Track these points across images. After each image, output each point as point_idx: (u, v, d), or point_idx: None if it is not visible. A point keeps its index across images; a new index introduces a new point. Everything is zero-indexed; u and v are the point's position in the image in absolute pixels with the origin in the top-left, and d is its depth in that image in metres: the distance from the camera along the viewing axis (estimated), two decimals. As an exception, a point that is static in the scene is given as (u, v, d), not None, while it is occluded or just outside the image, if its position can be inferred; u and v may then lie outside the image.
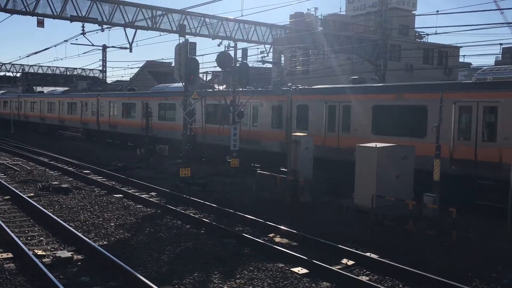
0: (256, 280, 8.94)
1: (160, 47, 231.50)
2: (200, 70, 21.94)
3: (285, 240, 11.54)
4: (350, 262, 9.95)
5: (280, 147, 20.89)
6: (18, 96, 55.44)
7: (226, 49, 22.38)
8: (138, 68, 60.07)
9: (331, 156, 18.93)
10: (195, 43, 18.92)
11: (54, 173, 21.69)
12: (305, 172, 16.04)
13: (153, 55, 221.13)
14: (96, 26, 23.61)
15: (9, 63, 64.43)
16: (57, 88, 59.37)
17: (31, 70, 66.28)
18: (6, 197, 15.87)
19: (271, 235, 11.95)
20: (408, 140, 15.84)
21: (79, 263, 9.69)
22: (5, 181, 18.52)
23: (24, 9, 21.10)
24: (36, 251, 10.18)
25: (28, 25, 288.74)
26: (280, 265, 9.73)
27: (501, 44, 30.58)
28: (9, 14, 21.44)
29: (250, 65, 23.79)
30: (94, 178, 20.03)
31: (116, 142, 36.54)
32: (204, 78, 29.16)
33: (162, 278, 8.89)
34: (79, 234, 11.25)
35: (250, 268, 9.56)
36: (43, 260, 9.60)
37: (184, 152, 19.19)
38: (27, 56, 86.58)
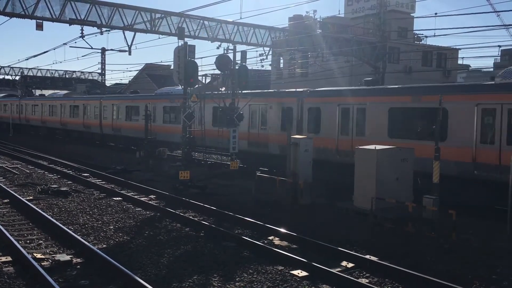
0: (255, 283, 8.92)
1: (159, 50, 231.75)
2: (199, 73, 21.95)
3: (284, 243, 11.53)
4: (350, 265, 9.94)
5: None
6: (99, 99, 38.22)
7: (225, 51, 22.40)
8: (137, 71, 60.16)
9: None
10: (194, 46, 18.93)
11: (53, 176, 21.67)
12: (304, 175, 16.02)
13: (152, 58, 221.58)
14: (95, 29, 23.64)
15: (8, 66, 64.36)
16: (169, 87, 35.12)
17: (30, 73, 66.20)
18: (5, 201, 15.84)
19: (270, 237, 11.94)
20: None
21: (78, 266, 9.67)
22: (4, 184, 18.50)
23: (23, 12, 21.12)
24: (35, 254, 10.16)
25: (27, 28, 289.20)
26: (280, 268, 9.72)
27: (499, 46, 30.73)
28: (8, 18, 21.47)
29: (249, 67, 23.78)
30: (93, 181, 20.02)
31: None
32: (203, 81, 29.16)
33: (162, 281, 8.87)
34: (78, 238, 11.23)
35: (250, 271, 9.54)
36: (42, 263, 9.58)
37: (183, 155, 19.18)
38: (26, 59, 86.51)
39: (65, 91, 49.45)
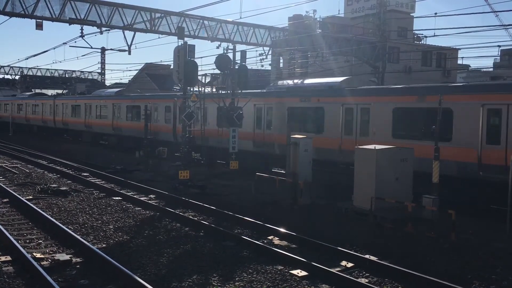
0: (255, 283, 8.92)
1: (159, 50, 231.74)
2: (199, 73, 21.94)
3: (284, 243, 11.52)
4: (350, 264, 9.94)
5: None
6: (173, 97, 27.17)
7: (225, 51, 22.39)
8: (137, 71, 60.05)
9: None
10: (193, 46, 18.91)
11: (53, 175, 21.66)
12: (304, 175, 16.01)
13: (152, 57, 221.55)
14: (95, 29, 23.61)
15: (8, 66, 64.36)
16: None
17: (30, 73, 66.19)
18: (5, 200, 15.83)
19: (270, 237, 11.94)
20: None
21: (78, 266, 9.67)
22: (3, 184, 18.49)
23: (22, 12, 21.09)
24: (34, 254, 10.16)
25: (27, 28, 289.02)
26: (280, 267, 9.72)
27: (499, 46, 30.72)
28: (7, 17, 21.46)
29: (249, 67, 23.76)
30: (92, 180, 20.01)
31: None
32: (203, 81, 29.15)
33: (161, 281, 8.87)
34: (78, 237, 11.22)
35: (249, 270, 9.54)
36: (42, 263, 9.58)
37: (182, 155, 19.18)
38: (25, 59, 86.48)
39: (118, 89, 42.59)
